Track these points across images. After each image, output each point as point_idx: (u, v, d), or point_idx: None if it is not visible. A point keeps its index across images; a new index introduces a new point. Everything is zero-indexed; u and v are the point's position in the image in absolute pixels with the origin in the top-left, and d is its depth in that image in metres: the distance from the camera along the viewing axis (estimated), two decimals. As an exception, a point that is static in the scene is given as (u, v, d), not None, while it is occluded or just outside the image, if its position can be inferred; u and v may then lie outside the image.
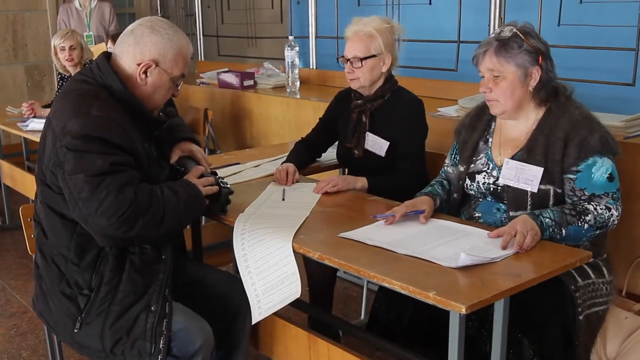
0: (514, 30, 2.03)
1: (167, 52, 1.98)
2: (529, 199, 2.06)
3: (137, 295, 1.94)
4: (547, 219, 1.90)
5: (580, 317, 1.97)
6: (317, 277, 2.67)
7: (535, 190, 2.04)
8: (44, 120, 3.94)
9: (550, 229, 1.90)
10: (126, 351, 1.92)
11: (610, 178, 2.01)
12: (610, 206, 1.99)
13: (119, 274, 1.94)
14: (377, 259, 1.79)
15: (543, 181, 2.04)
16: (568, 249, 1.89)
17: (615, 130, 2.59)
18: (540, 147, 2.05)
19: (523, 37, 2.02)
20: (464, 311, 1.51)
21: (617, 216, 2.00)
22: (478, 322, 1.97)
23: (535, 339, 1.90)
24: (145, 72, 1.98)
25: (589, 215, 1.96)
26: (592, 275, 2.06)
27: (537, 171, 2.04)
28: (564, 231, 1.92)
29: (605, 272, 2.11)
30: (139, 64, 1.97)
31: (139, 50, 1.98)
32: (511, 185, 2.09)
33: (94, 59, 4.34)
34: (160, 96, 2.05)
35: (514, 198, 2.08)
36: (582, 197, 2.02)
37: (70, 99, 1.93)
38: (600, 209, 1.98)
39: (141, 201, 1.84)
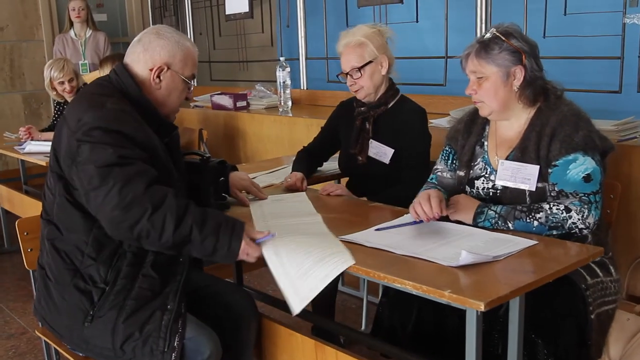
0: (495, 32, 1.96)
1: (176, 54, 1.94)
2: (528, 198, 1.93)
3: (154, 294, 1.82)
4: (491, 211, 1.87)
5: (592, 316, 1.84)
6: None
7: (534, 189, 1.92)
8: (40, 143, 3.91)
9: (493, 220, 1.85)
10: (137, 348, 1.78)
11: (587, 179, 1.86)
12: (572, 207, 1.82)
13: (136, 270, 1.82)
14: (382, 260, 1.65)
15: (539, 179, 1.92)
16: (577, 245, 1.77)
17: (608, 134, 2.47)
18: (533, 145, 1.95)
19: (504, 38, 1.94)
20: (482, 308, 1.37)
21: (579, 219, 1.82)
22: (487, 323, 1.83)
23: (550, 339, 1.76)
24: (158, 76, 1.93)
25: (541, 213, 1.83)
26: (600, 274, 1.93)
27: (534, 169, 1.93)
28: (510, 225, 1.84)
29: (612, 270, 1.98)
30: (151, 69, 1.92)
31: (149, 55, 1.93)
32: (509, 186, 1.97)
33: (86, 82, 4.28)
34: (175, 98, 1.98)
35: (512, 199, 1.96)
36: (552, 193, 1.90)
37: (85, 96, 1.90)
38: (557, 208, 1.83)
39: (151, 197, 1.68)
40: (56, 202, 1.87)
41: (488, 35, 1.97)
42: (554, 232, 1.83)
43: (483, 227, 1.86)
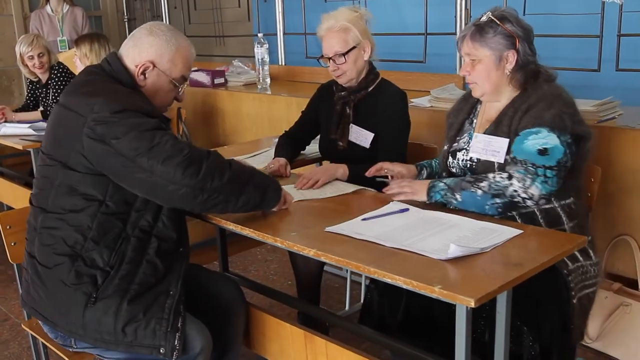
0: (490, 16, 2.00)
1: (164, 53, 1.92)
2: (496, 170, 1.98)
3: (157, 280, 1.83)
4: (441, 184, 1.94)
5: (574, 301, 1.88)
6: (304, 274, 2.55)
7: (502, 161, 1.98)
8: (15, 125, 3.83)
9: (443, 192, 1.93)
10: (139, 330, 1.77)
11: (543, 152, 1.88)
12: (515, 175, 1.87)
13: (140, 255, 1.83)
14: (372, 254, 1.66)
15: (508, 151, 1.98)
16: (562, 234, 1.80)
17: (588, 115, 2.52)
18: (507, 119, 2.01)
19: (499, 22, 1.98)
20: (473, 304, 1.40)
21: (520, 187, 1.85)
22: (473, 311, 1.86)
23: (534, 326, 1.80)
24: (143, 73, 1.91)
25: (484, 182, 1.88)
26: (581, 258, 1.97)
27: (504, 142, 1.99)
28: (457, 196, 1.90)
29: (592, 253, 2.02)
30: (136, 66, 1.91)
31: (137, 52, 1.92)
32: (480, 158, 2.05)
33: (60, 60, 4.18)
34: (161, 98, 1.96)
35: (483, 171, 2.01)
36: (508, 162, 1.95)
37: (87, 85, 1.86)
38: (500, 177, 1.88)
39: (199, 149, 1.77)
40: (55, 190, 1.83)
41: (484, 18, 2.01)
42: (498, 200, 1.87)
43: (436, 202, 1.93)
